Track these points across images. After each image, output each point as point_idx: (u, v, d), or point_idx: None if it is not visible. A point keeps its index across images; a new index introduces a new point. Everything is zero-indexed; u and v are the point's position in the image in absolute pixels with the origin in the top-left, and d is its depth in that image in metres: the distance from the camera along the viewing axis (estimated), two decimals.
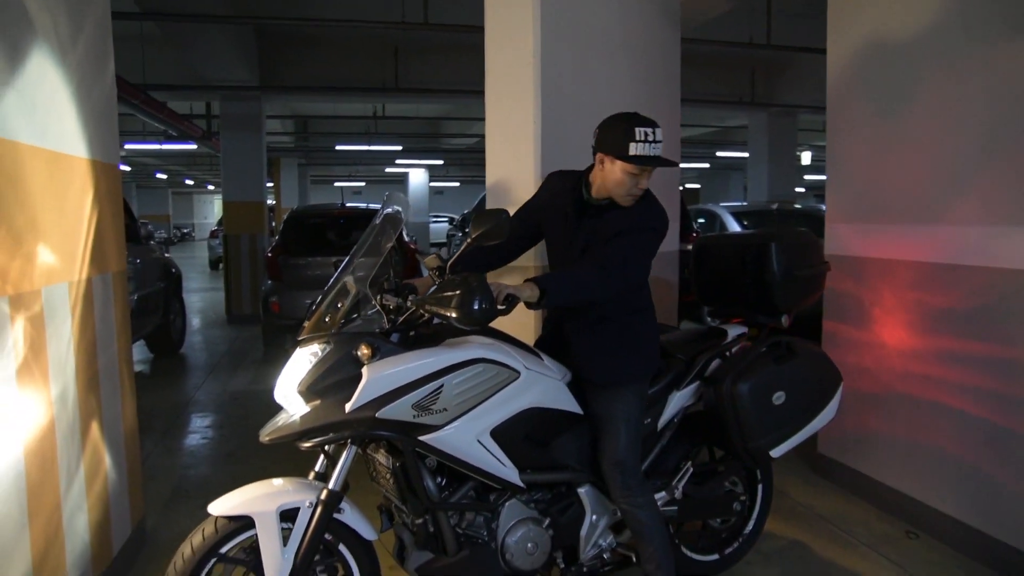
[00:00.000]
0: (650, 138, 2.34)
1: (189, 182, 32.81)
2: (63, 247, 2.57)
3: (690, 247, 3.35)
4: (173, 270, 8.01)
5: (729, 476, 2.98)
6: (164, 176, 30.23)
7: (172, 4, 7.09)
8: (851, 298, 3.76)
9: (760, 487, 3.08)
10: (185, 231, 39.82)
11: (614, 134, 2.36)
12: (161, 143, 14.44)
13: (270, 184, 26.96)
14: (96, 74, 2.97)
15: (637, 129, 2.33)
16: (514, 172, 3.56)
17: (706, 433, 2.86)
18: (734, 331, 2.95)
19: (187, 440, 4.96)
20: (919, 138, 3.36)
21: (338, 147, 18.32)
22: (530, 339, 2.70)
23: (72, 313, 2.64)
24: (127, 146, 15.94)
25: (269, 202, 15.93)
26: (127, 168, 24.57)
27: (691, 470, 2.83)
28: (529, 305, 2.27)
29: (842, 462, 3.92)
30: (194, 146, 14.64)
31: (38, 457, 2.30)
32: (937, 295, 3.26)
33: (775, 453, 2.74)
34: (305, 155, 21.24)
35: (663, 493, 2.77)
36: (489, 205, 3.51)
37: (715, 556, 3.01)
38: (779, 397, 2.72)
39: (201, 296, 13.83)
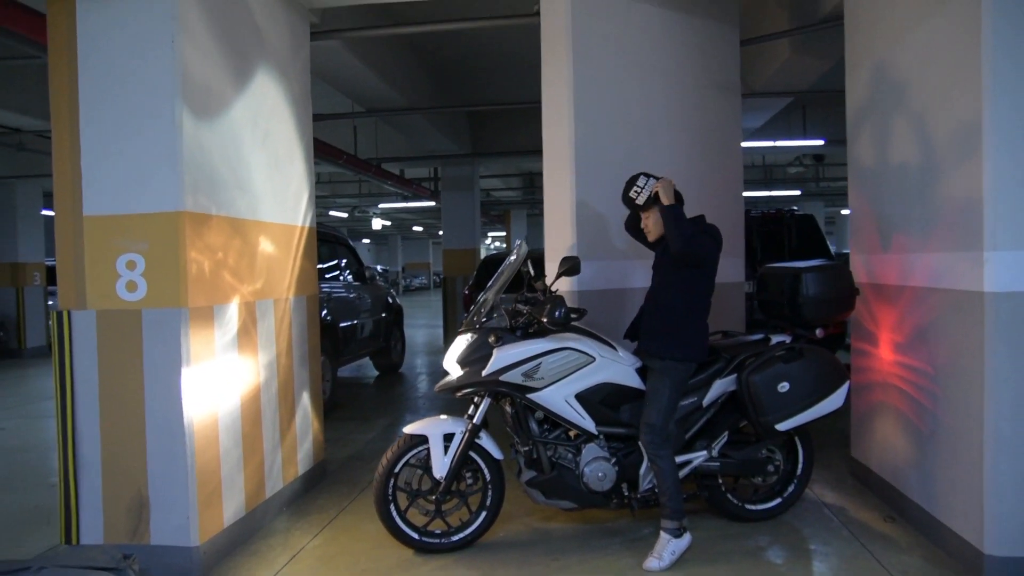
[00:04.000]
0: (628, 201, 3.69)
1: (440, 233, 36.89)
2: (279, 278, 4.31)
3: None
4: (393, 303, 10.03)
5: (765, 444, 3.92)
6: (420, 229, 34.45)
7: (388, 100, 9.23)
8: (859, 315, 4.47)
9: (801, 454, 3.98)
10: (441, 277, 44.29)
11: None
12: (405, 202, 17.27)
13: (503, 232, 29.86)
14: (302, 176, 4.76)
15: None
16: (560, 216, 4.81)
17: (740, 409, 3.83)
18: (776, 339, 3.93)
19: (378, 429, 6.69)
20: (881, 174, 4.08)
21: None
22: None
23: (278, 317, 4.35)
24: (381, 205, 19.11)
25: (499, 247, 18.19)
26: (387, 223, 28.62)
27: (727, 437, 3.83)
28: (659, 206, 3.56)
29: (855, 458, 4.58)
30: (432, 203, 17.33)
31: (252, 406, 3.99)
32: (907, 313, 3.92)
33: (780, 427, 3.70)
34: (533, 206, 23.55)
35: (704, 452, 3.80)
36: (547, 234, 4.80)
37: (776, 501, 3.97)
38: (784, 386, 3.68)
39: (436, 331, 16.22)
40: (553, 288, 3.87)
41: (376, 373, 9.98)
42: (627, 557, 3.57)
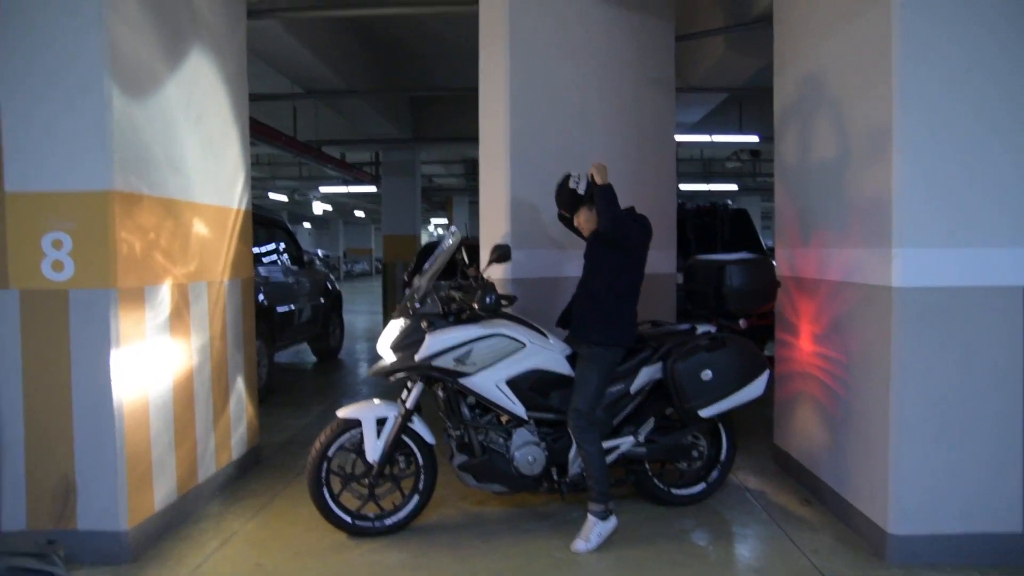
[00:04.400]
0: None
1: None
2: (214, 260, 4.26)
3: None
4: (332, 289, 9.95)
5: (691, 431, 4.07)
6: (362, 214, 34.08)
7: (327, 82, 9.13)
8: (782, 307, 4.66)
9: (724, 441, 4.15)
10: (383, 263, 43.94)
11: None
12: (346, 186, 17.09)
13: (445, 219, 29.81)
14: (237, 158, 4.70)
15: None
16: (495, 205, 4.89)
17: (666, 397, 3.96)
18: (702, 328, 4.06)
19: (314, 414, 6.66)
20: (804, 171, 4.27)
21: None
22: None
23: (211, 300, 4.30)
24: (322, 189, 18.85)
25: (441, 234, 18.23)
26: (328, 207, 28.24)
27: (653, 423, 3.97)
28: (594, 188, 3.68)
29: (776, 445, 4.80)
30: (373, 188, 17.18)
31: (184, 389, 3.95)
32: (825, 305, 4.12)
33: (703, 414, 3.84)
34: (474, 193, 23.55)
35: (631, 438, 3.91)
36: (483, 222, 4.87)
37: (700, 487, 4.12)
38: (707, 374, 3.81)
39: (377, 317, 16.13)
40: (485, 275, 3.94)
41: (314, 359, 9.90)
42: (556, 539, 3.67)
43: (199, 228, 4.17)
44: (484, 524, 3.89)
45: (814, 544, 3.58)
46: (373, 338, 12.11)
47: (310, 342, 9.54)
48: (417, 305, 3.80)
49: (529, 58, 4.67)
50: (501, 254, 3.86)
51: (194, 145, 4.15)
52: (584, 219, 3.83)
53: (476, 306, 3.62)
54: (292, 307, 8.06)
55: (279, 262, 8.20)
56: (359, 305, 18.77)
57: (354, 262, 42.23)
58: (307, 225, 42.07)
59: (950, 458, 3.31)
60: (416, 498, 3.77)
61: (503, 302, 3.66)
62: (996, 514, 3.31)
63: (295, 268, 8.55)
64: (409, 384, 3.76)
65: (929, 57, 3.23)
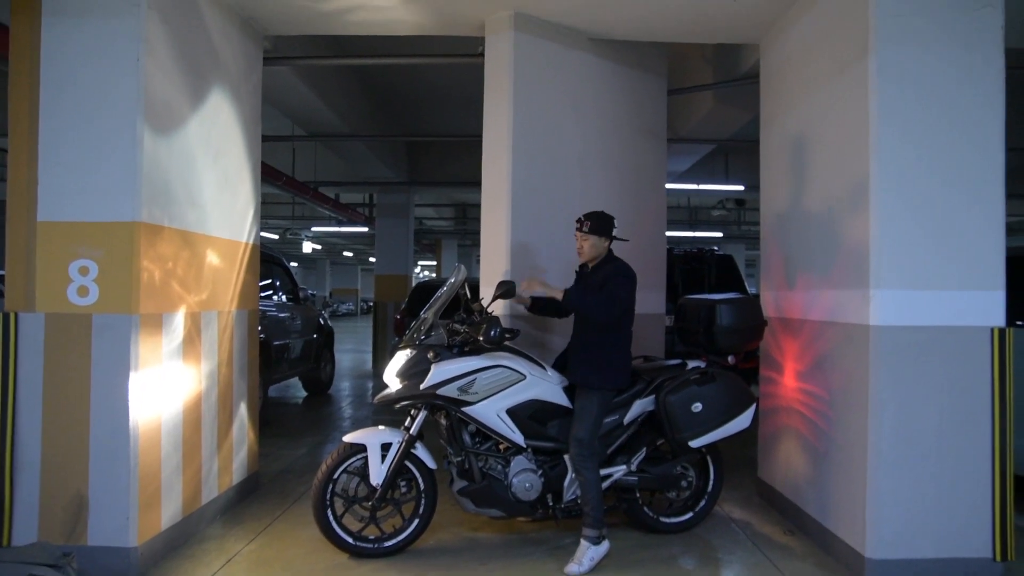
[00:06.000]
0: (579, 220, 4.01)
1: (372, 260, 36.82)
2: (224, 291, 4.44)
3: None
4: (325, 325, 10.10)
5: (680, 461, 4.25)
6: (351, 254, 34.30)
7: (331, 125, 9.43)
8: (767, 346, 4.89)
9: (712, 472, 4.33)
10: (371, 304, 44.06)
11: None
12: (339, 226, 17.32)
13: (433, 261, 30.06)
14: (248, 195, 4.93)
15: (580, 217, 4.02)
16: (496, 245, 5.10)
17: (657, 428, 4.14)
18: (692, 364, 4.27)
19: (307, 445, 6.77)
20: (788, 218, 4.54)
21: None
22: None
23: (220, 328, 4.47)
24: (314, 229, 19.07)
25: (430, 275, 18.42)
26: (318, 246, 28.44)
27: (645, 453, 4.15)
28: (558, 303, 3.87)
29: (761, 478, 4.98)
30: (365, 229, 17.43)
31: (193, 413, 4.10)
32: (808, 344, 4.36)
33: (693, 444, 4.04)
34: (464, 236, 23.85)
35: (623, 466, 4.10)
36: (483, 262, 5.09)
37: (688, 515, 4.29)
38: (697, 407, 4.02)
39: (364, 355, 16.23)
40: (489, 309, 4.15)
41: (304, 393, 10.00)
42: (550, 563, 3.82)
43: (212, 259, 4.37)
44: (480, 548, 4.03)
45: (796, 570, 3.75)
46: (360, 376, 12.25)
47: (301, 376, 9.66)
48: (423, 337, 3.99)
49: (531, 108, 4.94)
50: (506, 290, 4.10)
51: (211, 181, 4.37)
52: (589, 245, 3.98)
53: (481, 339, 3.79)
54: (287, 341, 8.21)
55: (276, 297, 8.37)
56: (346, 343, 18.86)
57: (340, 302, 42.31)
58: (295, 264, 42.19)
59: (925, 487, 3.52)
60: (416, 522, 3.92)
61: (506, 335, 3.86)
62: (968, 540, 3.51)
63: (291, 304, 8.72)
64: (413, 412, 3.94)
65: (903, 117, 3.54)
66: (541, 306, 4.31)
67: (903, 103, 3.55)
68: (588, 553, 3.72)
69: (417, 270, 37.95)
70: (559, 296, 3.85)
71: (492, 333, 3.75)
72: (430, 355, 3.88)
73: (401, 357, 3.97)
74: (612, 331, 3.93)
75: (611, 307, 3.80)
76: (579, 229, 3.98)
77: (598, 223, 3.96)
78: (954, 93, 3.57)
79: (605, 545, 3.78)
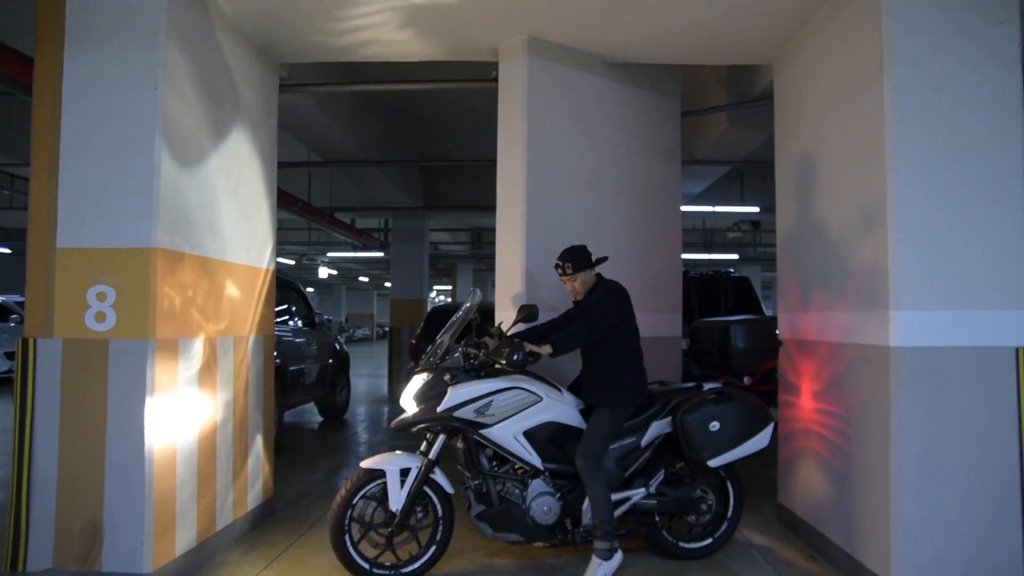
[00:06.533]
0: (558, 266, 4.03)
1: (387, 285, 36.96)
2: (242, 317, 4.46)
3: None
4: (340, 350, 10.11)
5: (700, 485, 4.20)
6: (366, 279, 34.45)
7: (347, 152, 9.51)
8: (783, 369, 4.83)
9: (732, 496, 4.28)
10: (387, 328, 44.22)
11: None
12: (355, 251, 17.43)
13: (448, 286, 30.14)
14: (267, 220, 4.96)
15: (557, 262, 4.05)
16: (511, 269, 5.10)
17: (675, 450, 4.11)
18: (709, 385, 4.23)
19: (323, 470, 6.75)
20: (804, 239, 4.49)
21: None
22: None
23: (237, 354, 4.48)
24: (330, 254, 19.19)
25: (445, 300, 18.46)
26: (334, 272, 28.60)
27: (663, 475, 4.11)
28: (550, 355, 3.84)
29: (781, 504, 4.89)
30: (381, 254, 17.52)
31: (209, 439, 4.09)
32: (824, 365, 4.30)
33: (712, 463, 4.00)
34: (479, 261, 23.91)
35: (643, 489, 4.06)
36: (498, 286, 5.08)
37: (708, 541, 4.24)
38: (714, 426, 3.99)
39: (380, 380, 16.22)
40: (508, 334, 4.13)
41: (320, 418, 9.99)
42: None
43: (231, 286, 4.39)
44: (495, 575, 3.98)
45: None
46: (376, 401, 12.22)
47: (317, 402, 9.65)
48: (440, 360, 3.98)
49: (545, 131, 4.96)
50: (528, 314, 4.11)
51: (231, 211, 4.41)
52: (579, 282, 4.04)
53: (504, 363, 3.78)
54: (303, 367, 8.22)
55: (292, 323, 8.40)
56: (361, 368, 18.87)
57: (356, 327, 42.44)
58: (310, 289, 42.44)
59: (952, 510, 3.43)
60: (433, 548, 3.87)
61: (529, 359, 3.82)
62: (997, 567, 3.41)
63: (307, 329, 8.74)
64: (429, 436, 3.91)
65: (919, 134, 3.51)
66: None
67: (919, 120, 3.52)
68: (600, 570, 3.68)
69: (432, 295, 38.05)
70: (549, 352, 3.82)
71: (516, 357, 3.72)
72: (447, 377, 3.87)
73: (418, 381, 3.96)
74: (617, 350, 3.93)
75: (596, 326, 3.86)
76: (563, 274, 4.02)
77: (577, 261, 4.01)
78: (971, 109, 3.53)
79: (617, 558, 3.75)
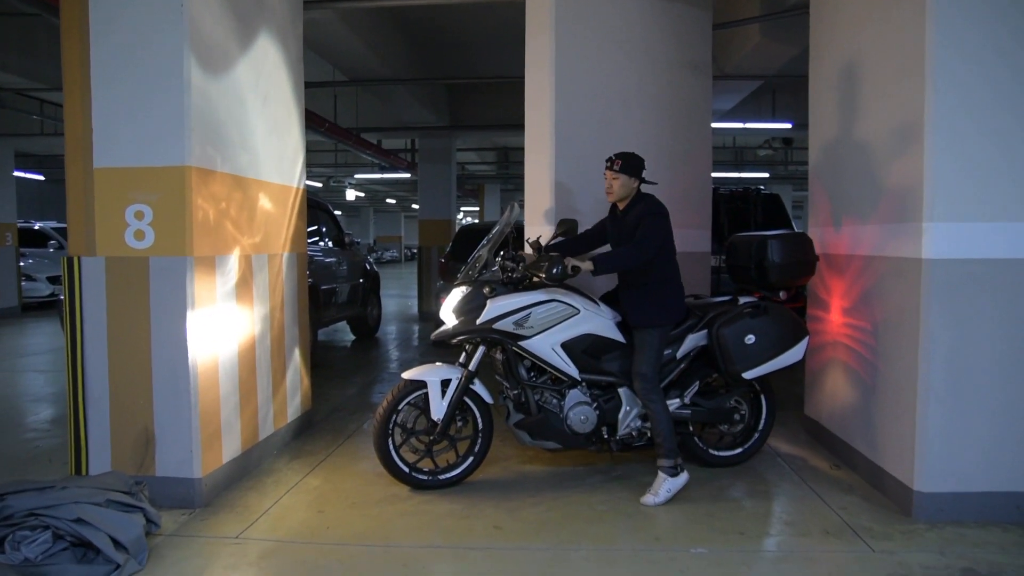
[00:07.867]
0: (609, 159, 3.97)
1: (415, 207, 36.95)
2: (275, 235, 4.54)
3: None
4: (371, 270, 10.23)
5: (733, 396, 4.30)
6: (393, 201, 34.45)
7: (372, 70, 9.39)
8: (813, 284, 4.84)
9: (764, 406, 4.38)
10: (415, 251, 44.50)
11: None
12: (382, 173, 17.40)
13: (475, 208, 30.08)
14: (296, 139, 4.98)
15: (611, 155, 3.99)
16: (540, 186, 5.11)
17: (710, 363, 4.18)
18: (744, 299, 4.25)
19: (357, 386, 6.96)
20: (838, 153, 4.43)
21: None
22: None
23: (272, 271, 4.58)
24: (357, 176, 19.17)
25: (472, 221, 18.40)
26: (361, 194, 28.63)
27: (697, 386, 4.20)
28: (590, 272, 3.82)
29: (808, 415, 4.98)
30: (408, 175, 17.47)
31: (248, 354, 4.24)
32: (855, 279, 4.30)
33: (746, 375, 4.06)
34: (507, 181, 23.77)
35: (677, 400, 4.16)
36: (528, 206, 5.09)
37: (738, 450, 4.37)
38: (750, 339, 4.03)
39: (409, 300, 16.46)
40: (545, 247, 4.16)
41: (352, 337, 10.22)
42: (598, 494, 3.92)
43: (264, 203, 4.45)
44: (530, 481, 4.14)
45: (843, 502, 3.78)
46: (406, 320, 12.45)
47: (349, 321, 9.85)
48: (479, 274, 4.04)
49: (573, 47, 4.87)
50: (568, 228, 4.14)
51: (261, 125, 4.43)
52: (619, 184, 3.95)
53: (543, 276, 3.80)
54: (334, 286, 8.37)
55: (323, 243, 8.51)
56: (391, 289, 19.14)
57: (384, 249, 42.75)
58: (338, 212, 42.60)
59: (978, 421, 3.48)
60: (471, 459, 4.03)
61: (568, 273, 3.83)
62: (1019, 474, 3.48)
63: (337, 249, 8.85)
64: (468, 348, 4.01)
65: (960, 44, 3.40)
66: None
67: (961, 28, 3.39)
68: (665, 485, 3.81)
69: (460, 216, 38.03)
70: (591, 269, 3.79)
71: (555, 271, 3.73)
72: (486, 291, 3.94)
73: (457, 294, 4.04)
74: (658, 269, 3.94)
75: (641, 251, 3.81)
76: (610, 168, 3.96)
77: (629, 163, 3.94)
78: (1010, 23, 3.40)
79: (683, 477, 3.85)
